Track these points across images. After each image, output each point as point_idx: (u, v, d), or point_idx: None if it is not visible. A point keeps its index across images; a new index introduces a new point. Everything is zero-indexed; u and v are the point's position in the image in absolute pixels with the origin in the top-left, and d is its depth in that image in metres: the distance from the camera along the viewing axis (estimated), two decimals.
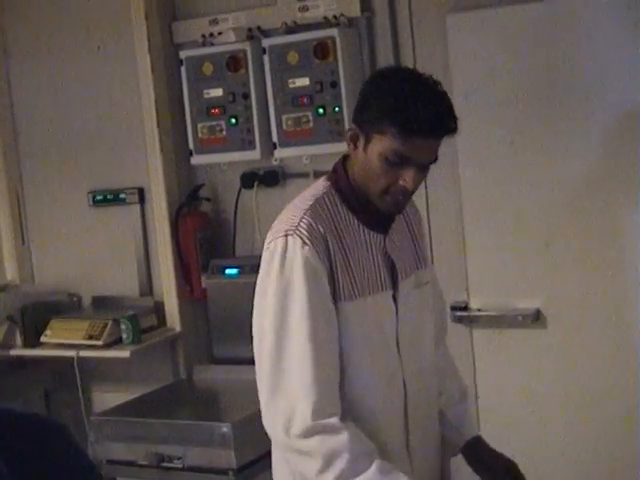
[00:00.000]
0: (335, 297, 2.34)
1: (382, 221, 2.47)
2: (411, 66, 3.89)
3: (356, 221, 2.42)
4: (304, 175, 4.26)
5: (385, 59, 4.09)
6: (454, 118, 2.30)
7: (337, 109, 4.08)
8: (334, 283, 2.34)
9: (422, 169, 2.35)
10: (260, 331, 2.34)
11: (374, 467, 2.25)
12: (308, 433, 2.25)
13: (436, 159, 2.35)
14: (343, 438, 2.25)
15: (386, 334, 2.43)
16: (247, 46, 4.25)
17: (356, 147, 2.37)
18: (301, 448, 2.27)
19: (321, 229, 2.34)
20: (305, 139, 4.17)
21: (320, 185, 2.47)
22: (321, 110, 4.11)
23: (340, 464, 2.24)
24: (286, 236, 2.32)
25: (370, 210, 2.43)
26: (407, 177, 2.32)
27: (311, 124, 4.14)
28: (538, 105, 3.80)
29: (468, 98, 3.81)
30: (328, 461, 2.24)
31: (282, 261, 2.30)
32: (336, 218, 2.39)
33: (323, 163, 4.09)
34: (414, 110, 2.24)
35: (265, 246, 2.38)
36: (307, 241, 2.31)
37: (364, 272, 2.39)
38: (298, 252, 2.30)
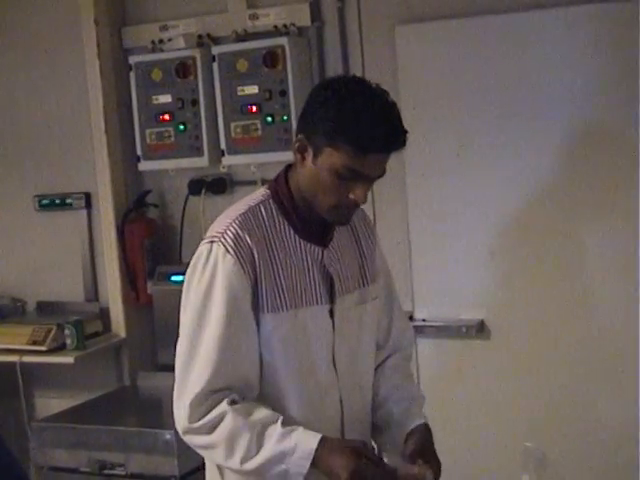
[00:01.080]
0: (258, 308, 2.32)
1: (321, 233, 2.44)
2: (360, 74, 3.87)
3: (292, 232, 2.39)
4: (252, 183, 4.25)
5: (334, 69, 4.10)
6: (405, 132, 2.28)
7: (286, 118, 4.08)
8: (257, 294, 2.32)
9: (371, 182, 2.34)
10: (180, 332, 2.37)
11: (276, 433, 2.25)
12: (198, 431, 2.30)
13: (384, 172, 2.34)
14: (232, 419, 2.27)
15: (319, 350, 2.39)
16: (197, 53, 4.24)
17: (304, 158, 2.33)
18: (198, 443, 2.34)
19: (248, 238, 2.32)
20: (253, 147, 4.16)
21: (259, 194, 2.44)
22: (269, 118, 4.11)
23: (242, 442, 2.26)
24: (212, 242, 2.33)
25: (309, 222, 2.40)
26: (358, 192, 2.30)
27: (259, 132, 4.14)
28: (486, 119, 3.82)
29: (416, 109, 3.82)
30: (230, 446, 2.27)
31: (204, 267, 2.32)
32: (269, 228, 2.37)
33: (271, 171, 4.00)
34: (369, 126, 2.21)
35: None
36: (230, 250, 2.30)
37: (296, 285, 2.36)
38: (220, 260, 2.30)
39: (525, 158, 3.77)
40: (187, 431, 2.32)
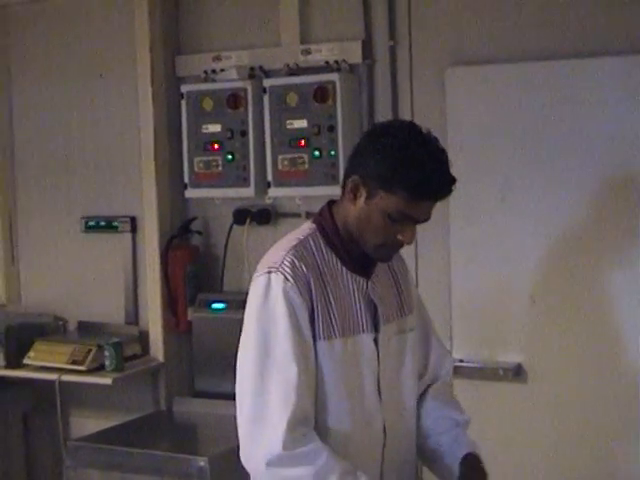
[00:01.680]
0: (314, 335, 2.37)
1: (365, 266, 2.49)
2: (409, 115, 4.05)
3: (339, 264, 2.45)
4: (296, 215, 4.30)
5: (383, 106, 4.16)
6: (455, 181, 2.36)
7: (333, 153, 4.12)
8: (313, 321, 2.37)
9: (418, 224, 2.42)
10: (242, 364, 2.38)
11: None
12: (291, 462, 2.30)
13: (430, 216, 2.41)
14: (325, 458, 2.31)
15: (366, 377, 2.45)
16: (248, 85, 4.29)
17: (355, 198, 2.40)
18: (287, 476, 2.32)
19: (304, 268, 2.38)
20: (299, 180, 4.20)
21: (306, 227, 2.51)
22: (317, 153, 4.15)
23: None
24: (269, 273, 2.37)
25: (354, 255, 2.47)
26: (407, 234, 2.39)
27: (306, 166, 4.18)
28: (532, 163, 3.84)
29: (462, 151, 3.84)
30: None
31: (264, 296, 2.35)
32: (319, 259, 2.43)
33: (315, 205, 3.99)
34: (424, 175, 2.30)
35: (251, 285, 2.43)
36: (289, 277, 2.35)
37: (345, 313, 2.41)
38: (280, 287, 2.34)
39: (566, 205, 3.79)
40: (277, 461, 2.30)
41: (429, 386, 2.70)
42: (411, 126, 2.42)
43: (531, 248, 3.85)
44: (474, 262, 3.96)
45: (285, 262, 2.38)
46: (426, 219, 2.40)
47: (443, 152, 2.37)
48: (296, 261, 2.38)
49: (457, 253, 3.99)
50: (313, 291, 2.38)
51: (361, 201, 2.39)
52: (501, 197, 3.91)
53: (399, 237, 2.40)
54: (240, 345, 2.40)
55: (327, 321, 2.38)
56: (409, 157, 2.31)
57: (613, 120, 3.70)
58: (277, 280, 2.35)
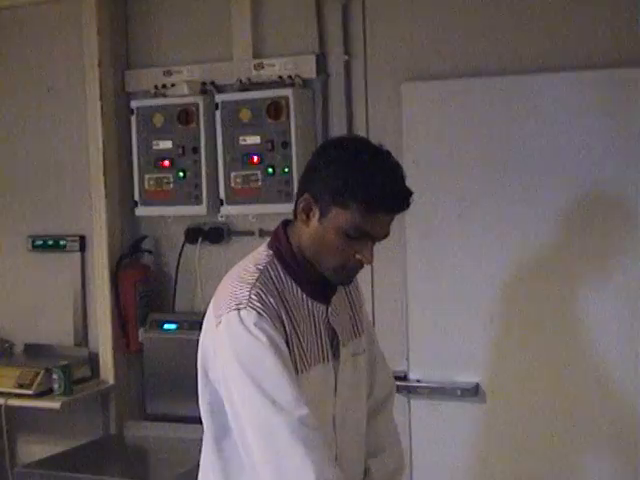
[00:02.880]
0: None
1: (324, 290, 2.45)
2: (364, 131, 4.04)
3: (299, 291, 2.40)
4: (249, 233, 4.28)
5: (338, 122, 4.15)
6: (411, 193, 2.33)
7: (287, 170, 4.10)
8: (290, 355, 2.31)
9: (376, 242, 2.37)
10: (240, 401, 2.28)
11: None
12: None
13: (389, 233, 2.38)
14: None
15: (323, 405, 2.41)
16: (200, 100, 4.27)
17: (309, 218, 2.35)
18: None
19: (272, 301, 2.31)
20: (253, 197, 4.18)
21: (262, 254, 2.43)
22: (270, 170, 4.13)
23: None
24: (238, 310, 2.28)
25: (313, 280, 2.41)
26: (365, 252, 2.34)
27: (259, 183, 4.16)
28: (490, 179, 3.85)
29: (418, 167, 3.86)
30: None
31: (238, 335, 2.26)
32: (281, 289, 2.37)
33: (269, 222, 4.15)
34: (379, 186, 2.26)
35: (212, 324, 2.33)
36: (262, 312, 2.28)
37: (309, 344, 2.37)
38: (255, 324, 2.27)
39: (528, 222, 3.78)
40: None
41: (374, 412, 2.67)
42: (362, 139, 2.44)
43: (490, 266, 3.85)
44: (431, 280, 3.95)
45: (253, 297, 2.30)
46: (385, 235, 2.36)
47: (397, 164, 2.35)
48: (263, 295, 2.31)
49: (414, 270, 3.98)
50: (285, 324, 2.32)
51: (314, 221, 2.33)
52: (458, 213, 3.90)
53: (358, 257, 2.34)
54: (236, 400, 2.28)
55: (300, 353, 2.34)
56: (361, 168, 2.28)
57: (574, 136, 3.70)
58: (250, 316, 2.27)
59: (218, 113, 4.22)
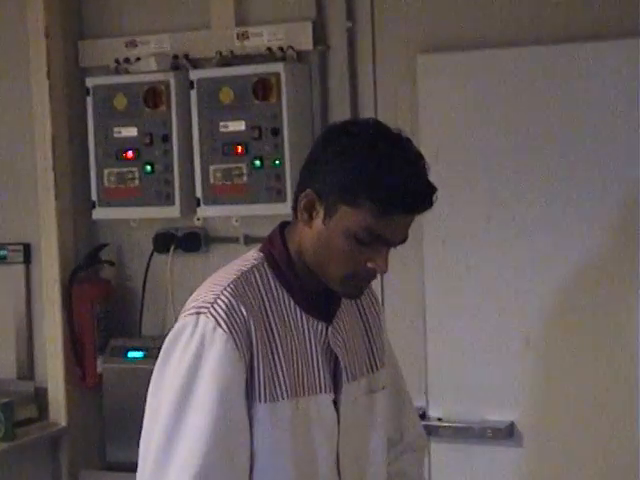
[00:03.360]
0: (251, 396, 2.34)
1: (325, 305, 2.46)
2: (372, 113, 4.06)
3: (292, 304, 2.42)
4: (233, 240, 4.31)
5: (340, 103, 4.18)
6: (435, 190, 2.34)
7: (278, 162, 4.12)
8: (252, 379, 2.33)
9: (391, 247, 2.38)
10: (149, 431, 2.37)
11: None
12: None
13: (407, 237, 2.38)
14: None
15: (320, 449, 2.42)
16: (171, 77, 4.30)
17: (311, 218, 2.37)
18: None
19: (243, 310, 2.33)
20: (236, 196, 4.20)
21: (250, 257, 2.46)
22: (258, 162, 4.15)
23: None
24: (198, 314, 2.33)
25: (311, 292, 2.44)
26: (379, 259, 2.34)
27: (245, 178, 4.17)
28: (525, 174, 3.88)
29: (439, 157, 3.86)
30: None
31: (186, 345, 2.31)
32: (266, 299, 2.39)
33: (257, 227, 4.19)
34: (397, 180, 2.28)
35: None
36: (222, 323, 2.31)
37: (297, 368, 2.38)
38: (209, 336, 2.30)
39: (571, 225, 3.84)
40: None
41: (397, 458, 2.71)
42: (376, 124, 2.41)
43: (525, 278, 3.88)
44: (454, 295, 3.98)
45: (219, 302, 2.33)
46: (402, 240, 2.37)
47: (419, 155, 2.36)
48: (233, 301, 2.34)
49: (433, 283, 4.01)
50: (254, 341, 2.33)
51: (318, 221, 2.36)
52: (487, 215, 3.94)
53: (369, 265, 2.35)
54: (148, 409, 2.38)
55: (272, 378, 2.34)
56: (376, 160, 2.29)
57: (623, 119, 3.76)
58: (206, 326, 2.31)
59: (193, 93, 4.24)
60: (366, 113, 4.08)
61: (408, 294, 4.10)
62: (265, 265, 2.43)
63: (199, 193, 4.29)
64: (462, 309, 3.99)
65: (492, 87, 3.93)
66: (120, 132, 4.39)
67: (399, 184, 2.28)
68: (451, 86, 3.99)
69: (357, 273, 2.38)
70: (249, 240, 4.26)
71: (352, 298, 2.50)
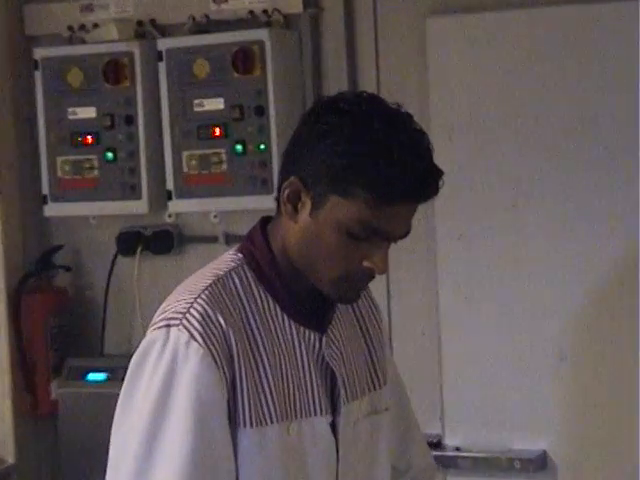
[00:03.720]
0: (235, 421, 2.35)
1: (317, 312, 2.47)
2: (373, 87, 4.08)
3: (279, 311, 2.43)
4: (211, 239, 4.34)
5: (336, 76, 4.20)
6: (441, 174, 2.34)
7: (263, 147, 4.14)
8: (235, 401, 2.34)
9: (391, 243, 2.38)
10: (115, 467, 2.37)
11: None
12: None
13: (410, 230, 2.39)
14: None
15: (317, 476, 2.44)
16: (135, 47, 4.31)
17: (296, 211, 2.37)
18: None
19: (221, 321, 2.33)
20: (215, 188, 4.22)
21: (227, 258, 2.46)
22: (240, 147, 4.17)
23: None
24: (168, 327, 2.33)
25: (300, 296, 2.45)
26: (377, 257, 2.35)
27: (224, 166, 4.20)
28: (557, 154, 3.90)
29: (453, 137, 3.94)
30: None
31: (156, 362, 2.32)
32: (248, 307, 2.40)
33: (240, 224, 4.20)
34: (396, 165, 2.28)
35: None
36: (197, 336, 2.30)
37: (287, 386, 2.39)
38: (182, 351, 2.30)
39: (616, 213, 3.83)
40: None
41: None
42: (370, 98, 2.41)
43: (558, 281, 3.90)
44: (474, 301, 3.99)
45: (192, 312, 2.33)
46: (403, 234, 2.38)
47: (421, 133, 2.36)
48: (209, 310, 2.34)
49: (448, 289, 4.02)
50: (235, 356, 2.34)
51: (305, 214, 2.37)
52: (512, 204, 3.96)
53: (365, 264, 2.35)
54: (114, 437, 2.39)
55: (258, 400, 2.35)
56: (371, 140, 2.29)
57: None
58: (178, 341, 2.32)
59: (162, 66, 4.26)
60: (367, 87, 3.91)
61: (418, 299, 4.12)
62: (245, 268, 2.44)
63: (170, 184, 4.30)
64: (483, 317, 4.00)
65: (514, 53, 3.95)
66: (75, 113, 4.40)
67: (397, 168, 2.28)
68: (467, 54, 4.00)
69: (351, 274, 2.38)
70: (231, 239, 4.27)
71: (347, 303, 2.51)
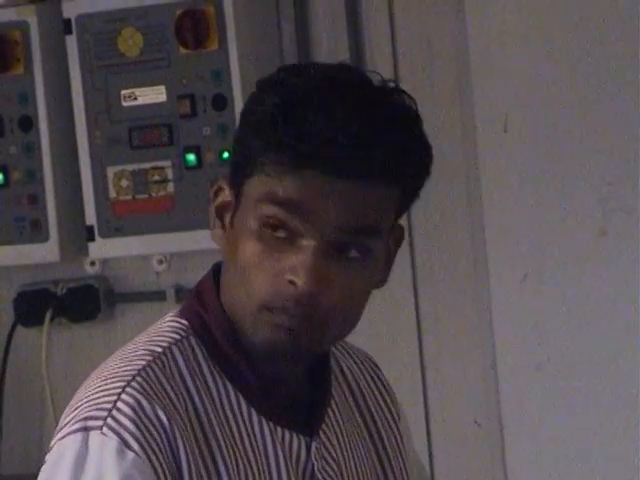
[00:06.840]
0: None
1: (304, 406, 2.29)
2: (389, 68, 4.03)
3: (245, 404, 2.20)
4: (155, 296, 4.18)
5: (332, 49, 4.11)
6: (412, 139, 2.14)
7: (227, 155, 3.90)
8: None
9: (339, 251, 2.13)
10: None
11: None
12: None
13: (367, 226, 2.15)
14: None
15: None
16: (31, 15, 4.05)
17: (223, 226, 2.25)
18: None
19: (162, 417, 2.10)
20: (158, 219, 4.03)
21: (166, 327, 2.25)
22: (192, 157, 3.96)
23: None
24: (86, 430, 2.09)
25: (276, 382, 2.24)
26: (298, 262, 2.15)
27: (171, 186, 4.02)
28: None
29: (508, 127, 3.92)
30: None
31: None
32: (198, 398, 2.20)
33: (196, 271, 3.86)
34: (311, 113, 2.13)
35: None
36: (133, 443, 2.06)
37: None
38: (110, 462, 2.08)
39: None
40: None
41: None
42: (344, 70, 2.23)
43: None
44: (546, 350, 3.95)
45: (121, 406, 2.10)
46: (339, 226, 2.13)
47: (408, 111, 2.16)
48: (145, 403, 2.11)
49: (505, 335, 3.97)
50: (184, 467, 2.12)
51: (228, 226, 2.28)
52: (598, 227, 3.92)
53: (287, 276, 2.14)
54: None
55: None
56: (287, 102, 2.15)
57: None
58: (103, 450, 2.08)
59: (73, 41, 4.01)
60: (379, 68, 3.86)
61: (468, 356, 3.99)
62: (192, 340, 2.24)
63: (92, 218, 4.06)
64: (559, 375, 3.93)
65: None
66: None
67: (313, 115, 2.14)
68: (520, 20, 4.00)
69: (274, 298, 2.17)
70: (183, 294, 4.08)
71: (285, 358, 2.24)
